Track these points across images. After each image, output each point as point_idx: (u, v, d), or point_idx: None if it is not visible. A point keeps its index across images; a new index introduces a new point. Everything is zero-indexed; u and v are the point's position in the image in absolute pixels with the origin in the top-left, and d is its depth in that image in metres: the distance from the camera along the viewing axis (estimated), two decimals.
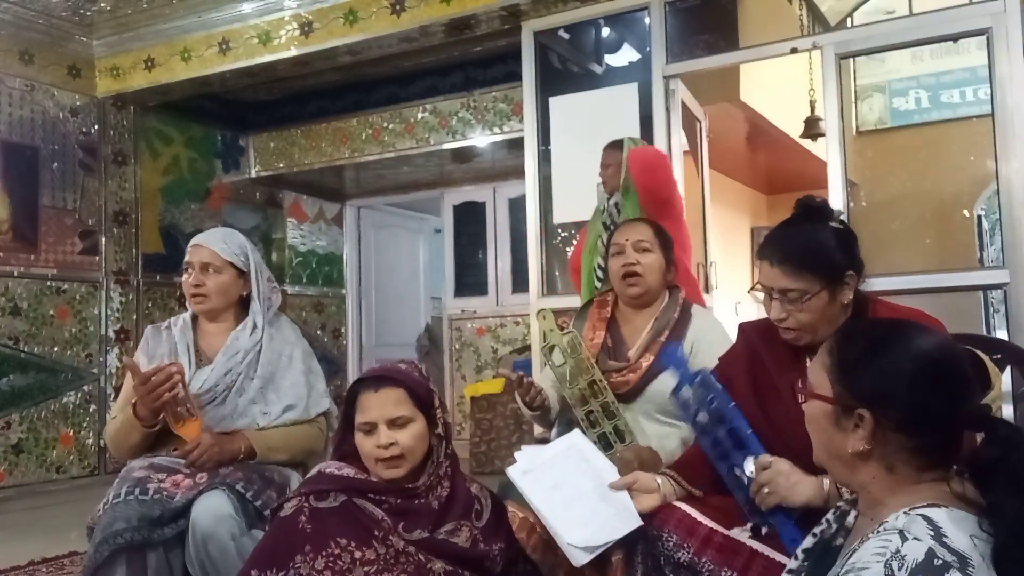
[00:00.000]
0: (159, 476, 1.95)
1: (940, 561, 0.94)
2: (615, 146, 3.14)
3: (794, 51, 3.83)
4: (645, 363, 2.10)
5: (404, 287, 7.79)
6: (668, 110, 4.00)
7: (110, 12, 5.02)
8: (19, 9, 4.85)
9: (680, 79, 4.04)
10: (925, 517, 0.99)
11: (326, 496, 1.55)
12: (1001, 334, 4.44)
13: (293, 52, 4.76)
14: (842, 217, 1.64)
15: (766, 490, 1.47)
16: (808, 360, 1.47)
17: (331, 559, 1.46)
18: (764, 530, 1.51)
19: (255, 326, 2.21)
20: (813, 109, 5.56)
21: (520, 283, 6.05)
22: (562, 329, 2.18)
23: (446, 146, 5.74)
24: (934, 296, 3.48)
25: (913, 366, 1.07)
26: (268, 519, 1.65)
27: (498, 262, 6.46)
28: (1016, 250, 3.25)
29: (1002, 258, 3.32)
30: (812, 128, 5.45)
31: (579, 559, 1.57)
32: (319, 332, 6.91)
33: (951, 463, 1.07)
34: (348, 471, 1.62)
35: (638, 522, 1.58)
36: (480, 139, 5.61)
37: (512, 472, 1.73)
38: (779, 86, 5.49)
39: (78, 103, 5.26)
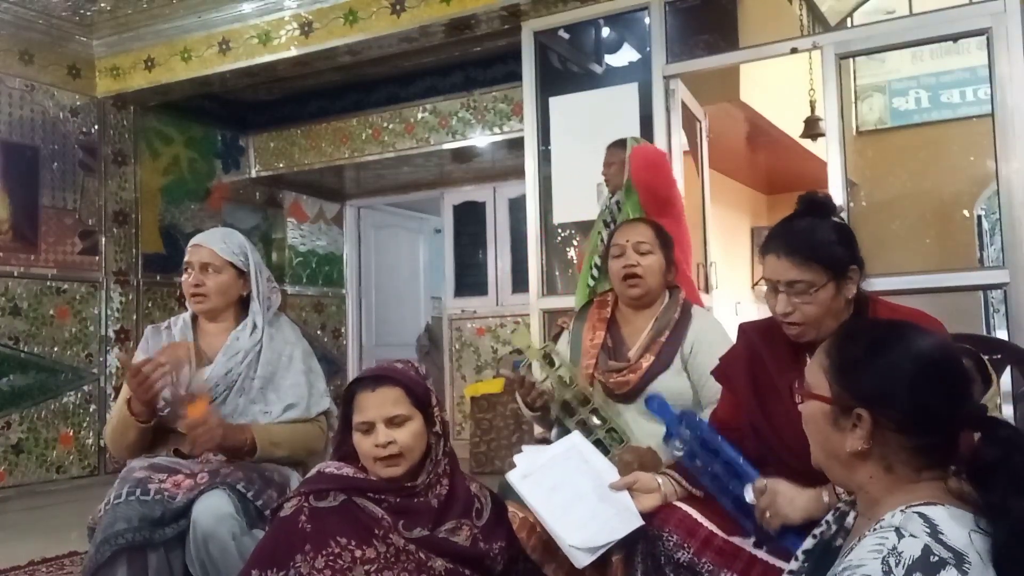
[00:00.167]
0: (160, 476, 1.96)
1: (936, 558, 0.94)
2: (618, 145, 3.15)
3: (794, 51, 3.83)
4: (645, 363, 2.10)
5: (404, 287, 7.79)
6: (668, 110, 4.00)
7: (110, 12, 5.02)
8: (19, 9, 4.85)
9: (680, 79, 4.04)
10: (921, 515, 0.99)
11: (326, 495, 1.55)
12: (1001, 334, 4.44)
13: (293, 52, 4.76)
14: (842, 215, 1.64)
15: (768, 514, 1.47)
16: (809, 360, 1.47)
17: (331, 558, 1.46)
18: (765, 549, 1.51)
19: (255, 326, 2.21)
20: (813, 109, 5.56)
21: (520, 283, 6.05)
22: (560, 331, 2.19)
23: (446, 146, 5.74)
24: (934, 296, 3.48)
25: (913, 366, 1.07)
26: (268, 519, 1.65)
27: (498, 262, 6.46)
28: (1016, 250, 3.25)
29: (1002, 258, 3.32)
30: (812, 128, 5.45)
31: (581, 560, 1.57)
32: (319, 332, 6.91)
33: (949, 463, 1.07)
34: (348, 470, 1.62)
35: (639, 522, 1.58)
36: (480, 139, 5.61)
37: (511, 476, 1.73)
38: (779, 86, 5.49)
39: (78, 103, 5.27)
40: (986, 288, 4.56)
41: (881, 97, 6.78)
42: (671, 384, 2.07)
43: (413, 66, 5.52)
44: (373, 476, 1.61)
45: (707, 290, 4.34)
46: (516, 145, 5.02)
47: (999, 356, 2.35)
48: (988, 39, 3.35)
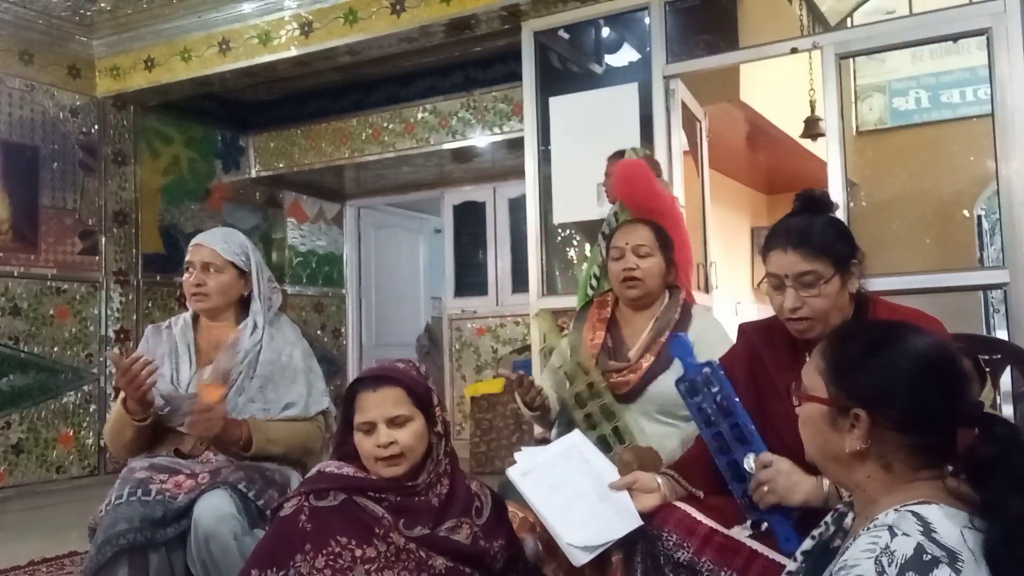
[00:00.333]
0: (161, 477, 1.96)
1: (929, 556, 0.94)
2: (617, 156, 3.18)
3: (794, 51, 3.83)
4: (645, 363, 2.10)
5: (404, 287, 7.79)
6: (668, 110, 4.00)
7: (110, 12, 5.02)
8: (19, 9, 4.85)
9: (680, 79, 4.04)
10: (915, 513, 1.00)
11: (326, 495, 1.55)
12: (1001, 334, 4.44)
13: (293, 52, 4.76)
14: (838, 212, 1.65)
15: (765, 488, 1.47)
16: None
17: (332, 557, 1.46)
18: (764, 526, 1.51)
19: (255, 326, 2.22)
20: (813, 109, 5.56)
21: (520, 283, 6.05)
22: (561, 330, 2.19)
23: (446, 146, 5.74)
24: (934, 296, 3.48)
25: (910, 365, 1.07)
26: (269, 519, 1.65)
27: (498, 262, 6.46)
28: (1016, 250, 3.25)
29: (1002, 258, 3.32)
30: (812, 128, 5.45)
31: (579, 559, 1.57)
32: (319, 332, 6.91)
33: (947, 461, 1.07)
34: (348, 470, 1.62)
35: (638, 522, 1.58)
36: (480, 139, 5.61)
37: (512, 473, 1.74)
38: (779, 86, 5.49)
39: (78, 103, 5.27)
40: (986, 288, 4.56)
41: (881, 97, 6.78)
42: (671, 384, 2.07)
43: (413, 66, 5.52)
44: (373, 476, 1.61)
45: (707, 290, 4.34)
46: (516, 145, 5.02)
47: (999, 356, 2.35)
48: (988, 39, 3.35)
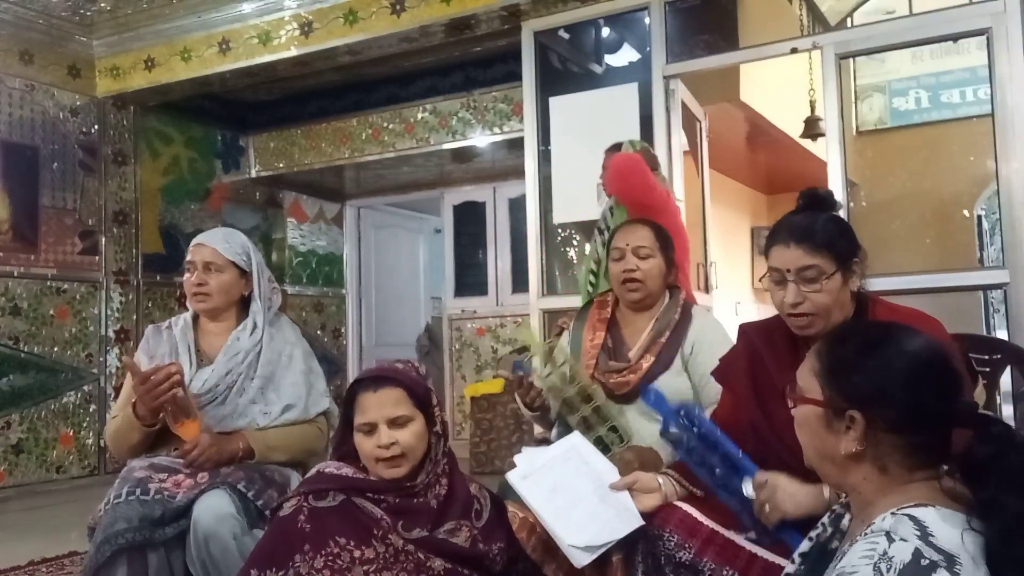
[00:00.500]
0: (160, 476, 1.96)
1: (927, 561, 0.94)
2: (614, 149, 3.16)
3: (794, 51, 3.83)
4: (645, 364, 2.10)
5: (404, 287, 7.79)
6: (668, 110, 4.00)
7: (110, 12, 5.02)
8: (19, 9, 4.85)
9: (680, 79, 4.04)
10: (911, 517, 0.99)
11: (325, 495, 1.55)
12: (1001, 334, 4.44)
13: (293, 52, 4.76)
14: (841, 211, 1.65)
15: (768, 508, 1.47)
16: None
17: (330, 558, 1.46)
18: (766, 542, 1.51)
19: (255, 326, 2.22)
20: (813, 109, 5.56)
21: (520, 283, 6.05)
22: (561, 332, 2.18)
23: (446, 146, 5.74)
24: (934, 296, 3.48)
25: (904, 365, 1.07)
26: (269, 519, 1.65)
27: (498, 262, 6.46)
28: (1016, 250, 3.25)
29: (1002, 258, 3.32)
30: (812, 128, 5.45)
31: (580, 560, 1.57)
32: (319, 332, 6.91)
33: (942, 461, 1.07)
34: (347, 470, 1.62)
35: (639, 522, 1.58)
36: (480, 139, 5.61)
37: (511, 477, 1.73)
38: (779, 86, 5.49)
39: (78, 103, 5.27)
40: (986, 288, 4.56)
41: (881, 97, 6.78)
42: (671, 384, 2.07)
43: (413, 66, 5.52)
44: (373, 476, 1.61)
45: (707, 290, 4.34)
46: (516, 145, 5.02)
47: (999, 356, 2.34)
48: (988, 39, 3.35)
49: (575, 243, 4.45)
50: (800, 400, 1.15)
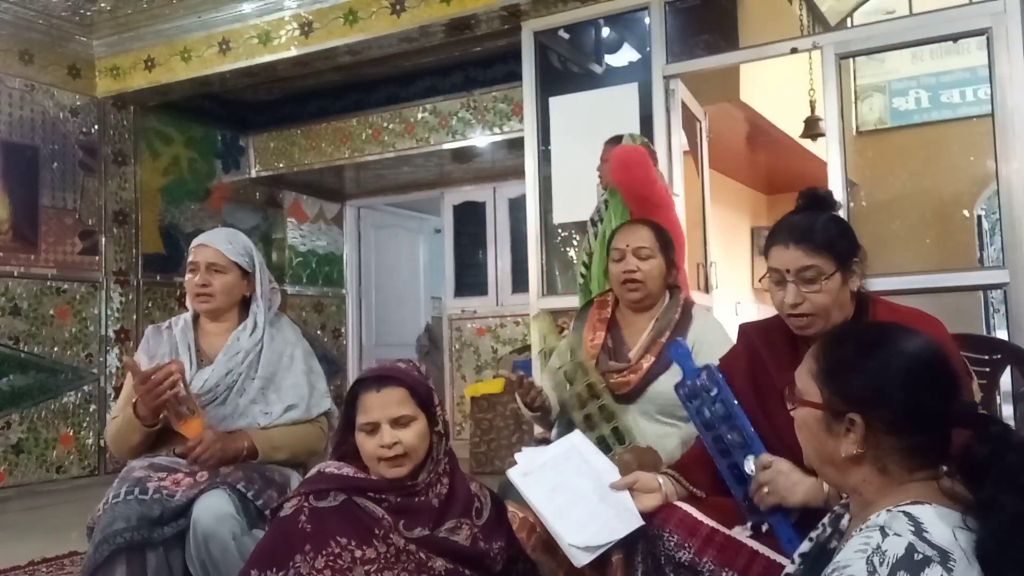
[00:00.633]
0: (159, 475, 1.96)
1: (920, 556, 0.94)
2: (614, 141, 3.15)
3: (794, 51, 3.83)
4: (646, 364, 2.10)
5: (404, 287, 7.79)
6: (668, 110, 4.00)
7: (110, 12, 5.02)
8: (19, 9, 4.85)
9: (680, 79, 4.04)
10: (907, 513, 1.00)
11: (326, 495, 1.55)
12: (1001, 334, 4.43)
13: (293, 52, 4.76)
14: (841, 211, 1.65)
15: (765, 489, 1.47)
16: None
17: (331, 558, 1.46)
18: (764, 527, 1.51)
19: (256, 326, 2.22)
20: (813, 109, 5.56)
21: (520, 283, 6.05)
22: (561, 331, 2.18)
23: (446, 146, 5.74)
24: (934, 296, 3.48)
25: (902, 366, 1.07)
26: (269, 519, 1.65)
27: (498, 262, 6.46)
28: (1016, 250, 3.25)
29: (1002, 258, 3.32)
30: (812, 128, 5.45)
31: (580, 559, 1.57)
32: (319, 332, 6.91)
33: (942, 461, 1.08)
34: (348, 470, 1.62)
35: (639, 522, 1.58)
36: (480, 139, 5.61)
37: (512, 474, 1.74)
38: (779, 86, 5.49)
39: (78, 103, 5.27)
40: (986, 288, 4.56)
41: (881, 97, 6.78)
42: (671, 385, 2.07)
43: (413, 66, 5.52)
44: (374, 476, 1.61)
45: (707, 290, 4.34)
46: (516, 145, 5.02)
47: (999, 356, 2.34)
48: (988, 39, 3.35)
49: (575, 243, 4.45)
50: (799, 403, 1.15)
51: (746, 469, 1.53)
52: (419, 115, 5.82)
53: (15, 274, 4.86)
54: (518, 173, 4.67)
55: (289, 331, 2.29)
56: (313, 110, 6.21)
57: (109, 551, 1.81)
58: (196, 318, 2.27)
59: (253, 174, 6.44)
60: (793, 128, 5.70)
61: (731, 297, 6.39)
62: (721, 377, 1.63)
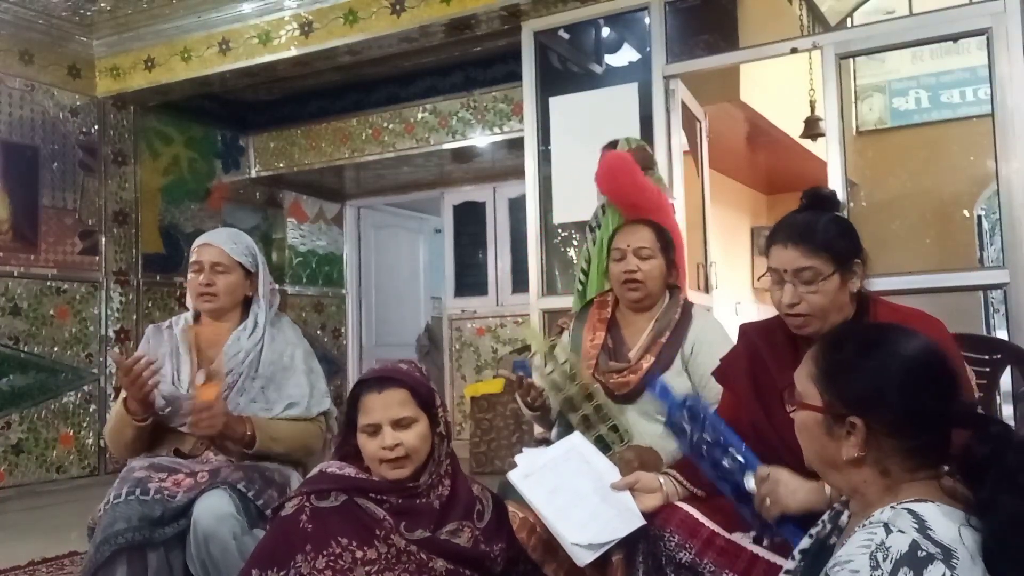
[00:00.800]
0: (160, 476, 1.96)
1: (924, 553, 0.94)
2: (610, 146, 3.14)
3: (794, 51, 3.83)
4: (646, 364, 2.10)
5: (404, 287, 7.79)
6: (668, 110, 4.00)
7: (110, 12, 5.02)
8: (19, 9, 4.84)
9: (680, 79, 4.04)
10: (911, 511, 1.00)
11: (327, 495, 1.55)
12: (1001, 334, 4.44)
13: (293, 52, 4.76)
14: (844, 211, 1.65)
15: (768, 502, 1.47)
16: None
17: (332, 558, 1.46)
18: (765, 542, 1.51)
19: (256, 326, 2.22)
20: (813, 109, 5.56)
21: (520, 283, 6.05)
22: (561, 331, 2.19)
23: (446, 146, 5.74)
24: (934, 296, 3.48)
25: (901, 368, 1.08)
26: (269, 519, 1.65)
27: (498, 262, 6.46)
28: (1016, 250, 3.25)
29: (1002, 258, 3.32)
30: (812, 128, 5.45)
31: (583, 558, 1.57)
32: (319, 332, 6.91)
33: (943, 461, 1.08)
34: (349, 470, 1.62)
35: (641, 521, 1.58)
36: (480, 139, 5.61)
37: (513, 476, 1.74)
38: (779, 86, 5.49)
39: (78, 103, 5.26)
40: (986, 288, 4.55)
41: (881, 97, 6.78)
42: (672, 385, 2.07)
43: (413, 66, 5.52)
44: (376, 477, 1.61)
45: (707, 290, 4.34)
46: (516, 145, 5.02)
47: (999, 356, 2.34)
48: (988, 39, 3.35)
49: (575, 243, 4.45)
50: (799, 406, 1.15)
51: (746, 487, 1.52)
52: (419, 115, 5.82)
53: (15, 274, 4.86)
54: (518, 173, 4.67)
55: (290, 331, 2.29)
56: (313, 110, 6.21)
57: (110, 551, 1.81)
58: (197, 318, 2.27)
59: (253, 174, 6.44)
60: (793, 128, 5.70)
61: (731, 297, 6.39)
62: (702, 403, 1.63)
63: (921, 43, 3.95)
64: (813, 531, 1.23)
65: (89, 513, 1.98)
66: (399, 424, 1.58)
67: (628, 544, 1.60)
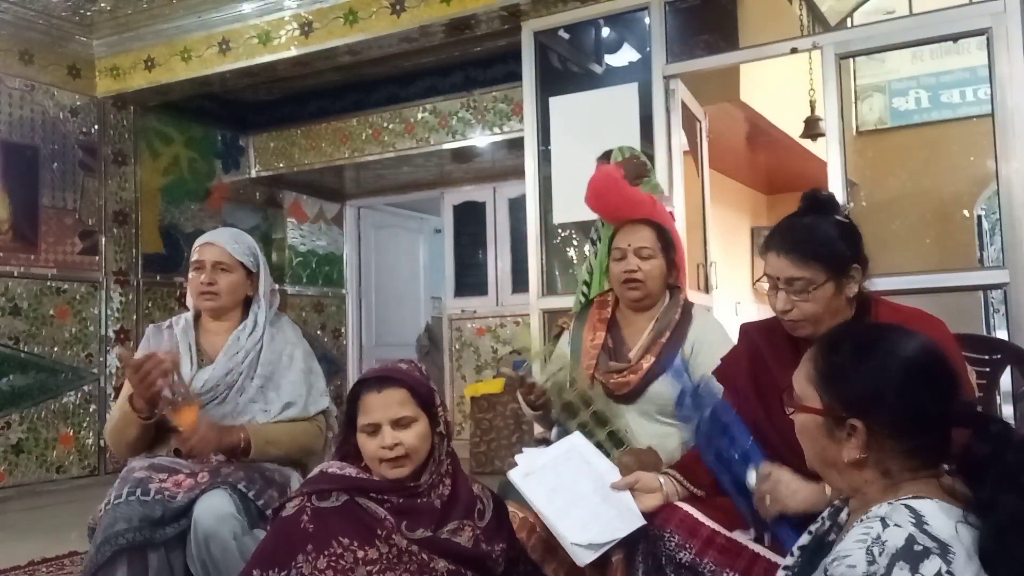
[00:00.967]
0: (160, 476, 1.96)
1: (920, 547, 0.95)
2: (604, 158, 3.12)
3: (794, 51, 3.83)
4: (646, 364, 2.10)
5: (404, 287, 7.79)
6: (668, 110, 4.00)
7: (110, 12, 5.02)
8: (19, 9, 4.84)
9: (680, 79, 4.04)
10: (908, 506, 1.00)
11: (328, 495, 1.55)
12: (1001, 334, 4.44)
13: (293, 52, 4.76)
14: (847, 212, 1.64)
15: (768, 500, 1.47)
16: None
17: (333, 558, 1.46)
18: (767, 540, 1.51)
19: (256, 326, 2.22)
20: (813, 109, 5.56)
21: (520, 283, 6.05)
22: (560, 332, 2.18)
23: (446, 146, 5.74)
24: (934, 296, 3.48)
25: (900, 369, 1.08)
26: (269, 519, 1.65)
27: (498, 262, 6.46)
28: (1016, 250, 3.25)
29: (1002, 258, 3.32)
30: (812, 128, 5.45)
31: (582, 558, 1.57)
32: (319, 332, 6.91)
33: (943, 461, 1.08)
34: (350, 470, 1.62)
35: (641, 521, 1.59)
36: (480, 139, 5.61)
37: (513, 475, 1.74)
38: (779, 86, 5.49)
39: (78, 103, 5.26)
40: (986, 288, 4.56)
41: (881, 97, 6.78)
42: (671, 385, 2.07)
43: (413, 66, 5.52)
44: (376, 476, 1.61)
45: (707, 290, 4.34)
46: (516, 145, 5.02)
47: (999, 356, 2.34)
48: (988, 39, 3.35)
49: (575, 243, 4.45)
50: (799, 408, 1.15)
51: (748, 482, 1.52)
52: (419, 115, 5.82)
53: (15, 274, 4.86)
54: (518, 173, 4.67)
55: (289, 331, 2.29)
56: (313, 110, 6.21)
57: (111, 552, 1.81)
58: (197, 317, 2.27)
59: (253, 174, 6.44)
60: (793, 128, 5.70)
61: (731, 297, 6.39)
62: (715, 391, 1.63)
63: (921, 43, 3.95)
64: (812, 528, 1.23)
65: (89, 513, 1.98)
66: (399, 424, 1.58)
67: (628, 544, 1.60)
